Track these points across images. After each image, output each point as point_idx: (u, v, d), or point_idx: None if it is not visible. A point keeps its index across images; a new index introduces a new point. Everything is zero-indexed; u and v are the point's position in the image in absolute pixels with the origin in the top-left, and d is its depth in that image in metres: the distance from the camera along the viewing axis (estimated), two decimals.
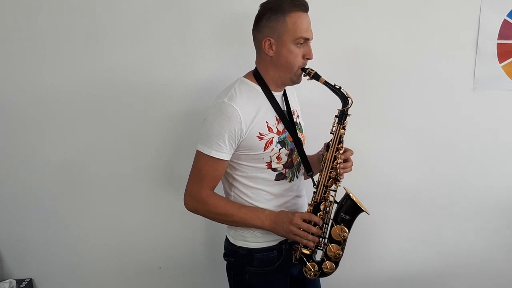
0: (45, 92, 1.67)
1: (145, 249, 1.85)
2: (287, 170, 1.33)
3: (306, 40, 1.26)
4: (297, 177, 1.39)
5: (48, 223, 1.79)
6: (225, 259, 1.42)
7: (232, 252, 1.38)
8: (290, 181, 1.35)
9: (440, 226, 1.90)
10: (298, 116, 1.43)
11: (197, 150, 1.27)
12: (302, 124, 1.45)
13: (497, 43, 1.70)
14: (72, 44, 1.63)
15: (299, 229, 1.25)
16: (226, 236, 1.42)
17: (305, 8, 1.25)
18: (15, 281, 1.76)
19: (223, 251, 1.44)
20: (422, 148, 1.83)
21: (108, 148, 1.74)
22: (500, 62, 1.72)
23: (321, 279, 1.53)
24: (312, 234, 1.26)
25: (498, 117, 1.80)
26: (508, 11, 1.67)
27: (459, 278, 1.97)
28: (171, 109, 1.71)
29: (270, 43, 1.25)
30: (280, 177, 1.32)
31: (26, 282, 1.78)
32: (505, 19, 1.68)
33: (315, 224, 1.27)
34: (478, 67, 1.72)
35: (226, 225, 1.41)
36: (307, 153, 1.40)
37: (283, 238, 1.34)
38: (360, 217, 1.30)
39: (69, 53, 1.64)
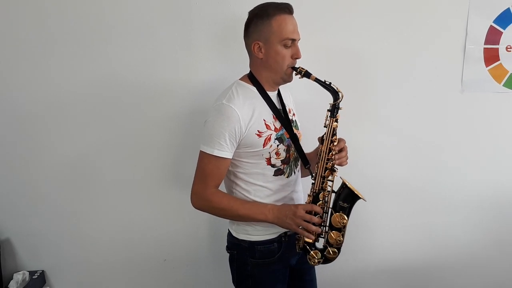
0: (54, 93, 1.70)
1: (151, 243, 1.88)
2: (285, 165, 1.38)
3: (293, 40, 1.30)
4: (295, 173, 1.43)
5: (59, 218, 1.82)
6: (228, 252, 1.46)
7: (234, 245, 1.42)
8: (288, 176, 1.39)
9: (432, 219, 1.93)
10: (294, 115, 1.47)
11: (200, 150, 1.30)
12: (298, 122, 1.49)
13: (484, 48, 1.74)
14: (79, 46, 1.66)
15: (303, 220, 1.29)
16: (228, 230, 1.46)
17: (289, 11, 1.30)
18: (28, 273, 1.81)
19: (225, 244, 1.48)
20: (413, 147, 1.86)
21: (115, 146, 1.77)
22: (487, 66, 1.76)
23: (316, 271, 1.58)
24: (314, 224, 1.29)
25: (485, 118, 1.83)
26: (494, 17, 1.71)
27: (451, 269, 1.99)
28: (175, 109, 1.74)
29: (259, 46, 1.30)
30: (278, 172, 1.36)
31: (39, 274, 1.82)
32: (491, 25, 1.72)
33: (315, 214, 1.31)
34: (465, 70, 1.76)
35: (228, 220, 1.44)
36: (304, 151, 1.44)
37: (283, 231, 1.38)
38: (353, 212, 1.33)
39: (76, 55, 1.67)
